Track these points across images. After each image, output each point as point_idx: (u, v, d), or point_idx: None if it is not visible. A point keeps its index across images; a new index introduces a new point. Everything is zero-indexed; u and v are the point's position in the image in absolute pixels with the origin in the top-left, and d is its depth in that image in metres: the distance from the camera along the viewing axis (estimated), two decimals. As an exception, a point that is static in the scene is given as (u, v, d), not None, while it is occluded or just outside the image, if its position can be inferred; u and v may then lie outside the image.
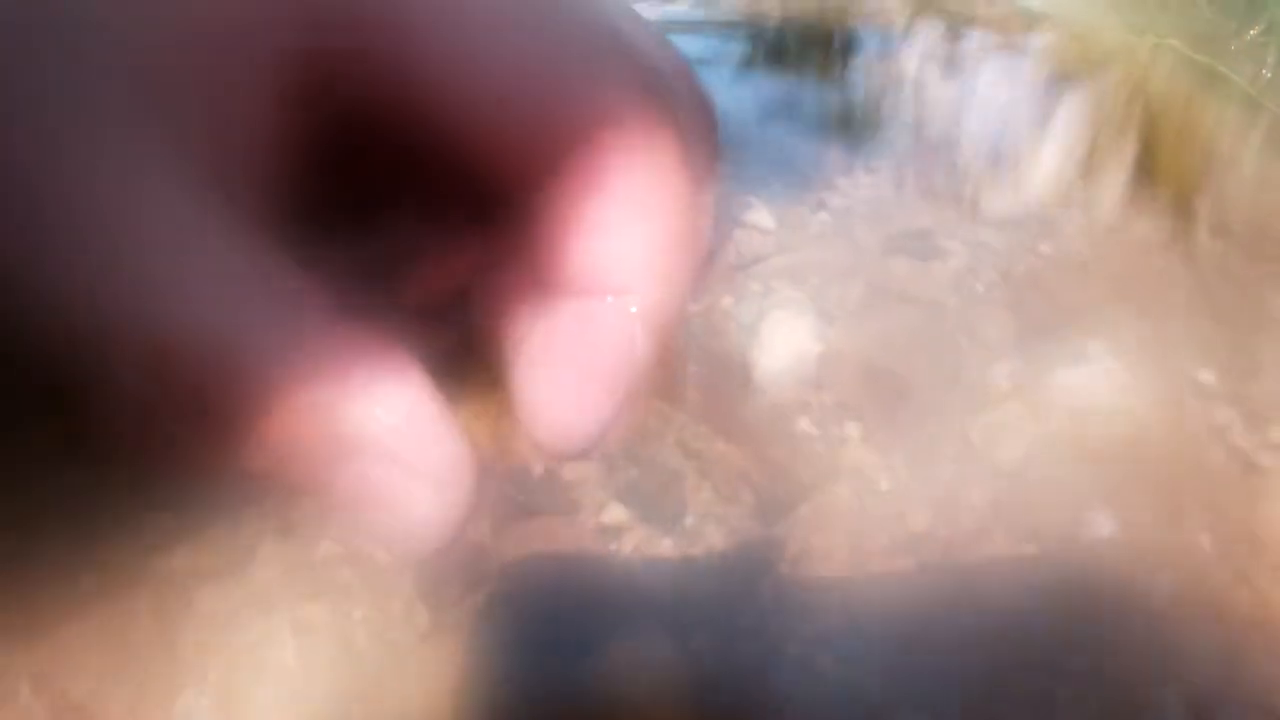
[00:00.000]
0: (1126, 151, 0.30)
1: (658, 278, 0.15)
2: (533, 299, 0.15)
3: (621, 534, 0.17)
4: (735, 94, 0.30)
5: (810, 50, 0.34)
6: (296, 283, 0.14)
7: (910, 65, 0.34)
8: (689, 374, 0.20)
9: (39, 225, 0.13)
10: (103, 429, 0.14)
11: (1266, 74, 0.34)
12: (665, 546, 0.17)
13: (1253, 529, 0.18)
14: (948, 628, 0.16)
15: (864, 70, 0.33)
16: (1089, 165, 0.29)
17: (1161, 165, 0.30)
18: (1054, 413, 0.20)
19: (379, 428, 0.13)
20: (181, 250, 0.13)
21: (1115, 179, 0.28)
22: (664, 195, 0.15)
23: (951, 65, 0.34)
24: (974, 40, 0.36)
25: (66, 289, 0.13)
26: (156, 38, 0.13)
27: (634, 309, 0.15)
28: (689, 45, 0.33)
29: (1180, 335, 0.22)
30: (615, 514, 0.17)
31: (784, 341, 0.20)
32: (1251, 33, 0.36)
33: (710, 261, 0.19)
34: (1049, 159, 0.29)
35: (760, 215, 0.24)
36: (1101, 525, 0.18)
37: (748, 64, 0.33)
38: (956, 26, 0.37)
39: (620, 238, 0.15)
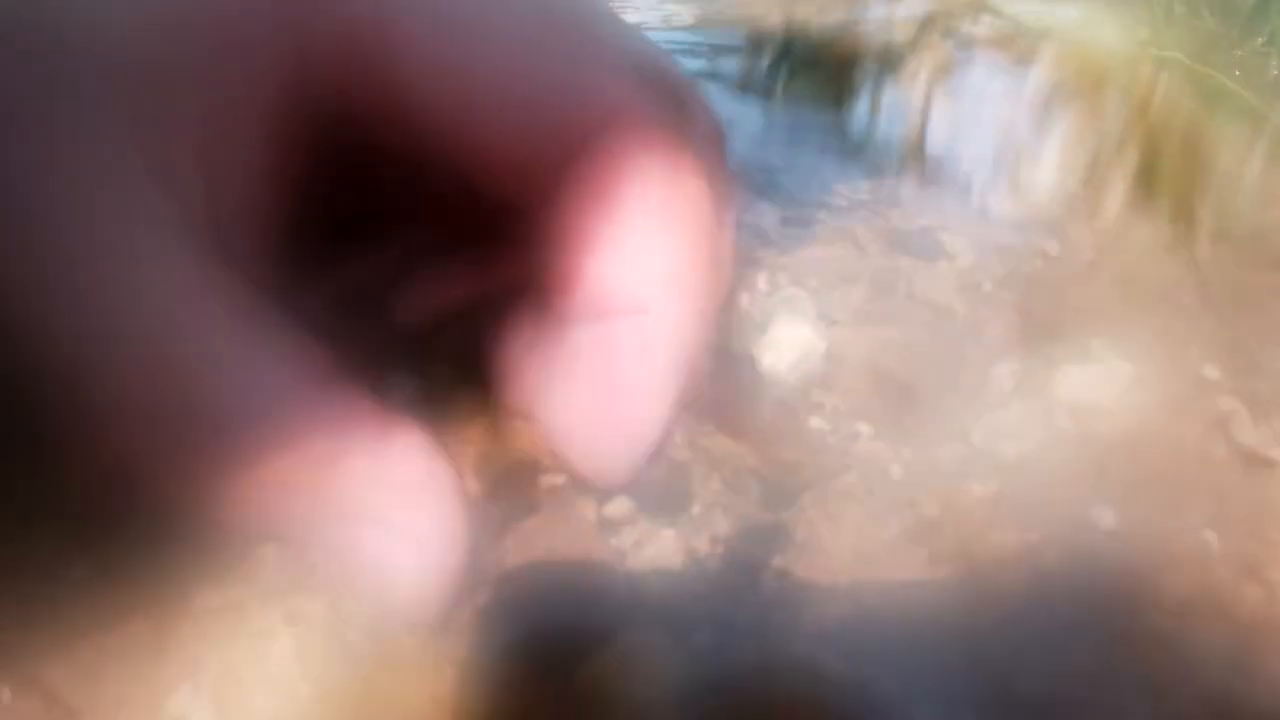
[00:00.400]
0: (1129, 162, 0.30)
1: (679, 290, 0.15)
2: (546, 320, 0.15)
3: (625, 527, 0.17)
4: (739, 105, 0.30)
5: (814, 63, 0.34)
6: (288, 337, 0.13)
7: (916, 76, 0.34)
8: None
9: (21, 245, 0.12)
10: (78, 467, 0.14)
11: (1273, 72, 0.34)
12: (669, 539, 0.17)
13: (1261, 524, 0.18)
14: (954, 621, 0.16)
15: (869, 83, 0.33)
16: (1092, 176, 0.29)
17: (1165, 176, 0.30)
18: (1059, 410, 0.19)
19: (369, 491, 0.13)
20: (165, 293, 0.13)
21: (1118, 189, 0.29)
22: (680, 203, 0.15)
23: (955, 78, 0.34)
24: (977, 54, 0.36)
25: (45, 315, 0.12)
26: (151, 60, 0.13)
27: (658, 325, 0.14)
28: (692, 59, 0.33)
29: (1186, 335, 0.22)
30: (619, 507, 0.17)
31: (788, 340, 0.20)
32: (1256, 43, 0.36)
33: (733, 271, 0.19)
34: (1052, 170, 0.29)
35: (766, 217, 0.24)
36: (1107, 520, 0.18)
37: (752, 76, 0.33)
38: (960, 40, 0.37)
39: (637, 250, 0.14)
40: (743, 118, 0.29)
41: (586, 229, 0.15)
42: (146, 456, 0.13)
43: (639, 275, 0.14)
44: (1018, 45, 0.37)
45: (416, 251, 0.18)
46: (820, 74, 0.33)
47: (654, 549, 0.16)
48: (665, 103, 0.15)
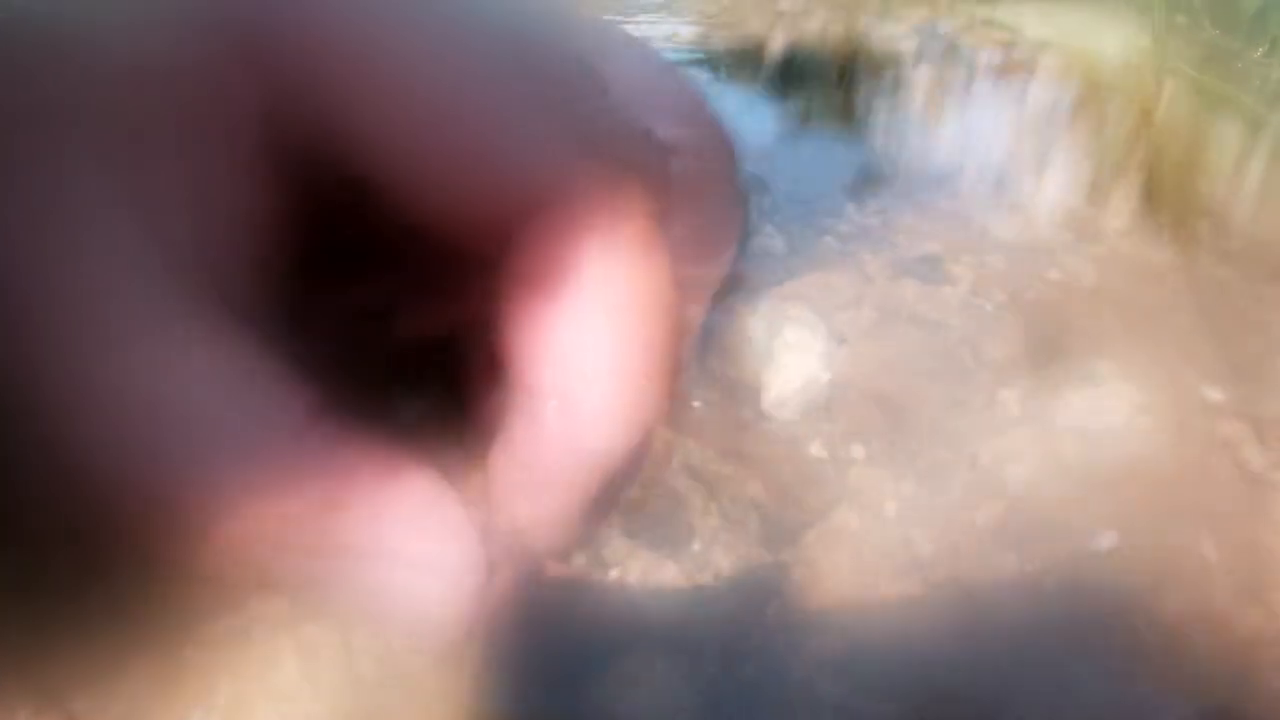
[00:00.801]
0: (1133, 175, 0.30)
1: (614, 384, 0.14)
2: (501, 377, 0.15)
3: (626, 560, 0.17)
4: (743, 122, 0.31)
5: (818, 79, 0.35)
6: (276, 379, 0.13)
7: (917, 93, 0.34)
8: (696, 399, 0.20)
9: (7, 284, 0.12)
10: (68, 515, 0.14)
11: (1275, 81, 0.34)
12: (671, 572, 0.17)
13: (1264, 545, 0.18)
14: (954, 650, 0.16)
15: (871, 98, 0.33)
16: (1095, 189, 0.29)
17: (1168, 190, 0.30)
18: (1062, 434, 0.20)
19: (376, 527, 0.13)
20: (149, 348, 0.13)
21: (1121, 206, 0.29)
22: (615, 290, 0.14)
23: (957, 93, 0.34)
24: (980, 67, 0.36)
25: (30, 354, 0.12)
26: (133, 123, 0.13)
27: (580, 416, 0.14)
28: (694, 79, 0.33)
29: (1189, 355, 0.22)
30: (620, 540, 0.17)
31: (793, 365, 0.20)
32: (1257, 53, 0.36)
33: (688, 354, 0.18)
34: (1055, 187, 0.29)
35: (770, 240, 0.24)
36: (1109, 545, 0.18)
37: (755, 93, 0.33)
38: (963, 55, 0.37)
39: (562, 335, 0.14)
40: (746, 138, 0.29)
41: (515, 306, 0.15)
42: (133, 502, 0.13)
43: (573, 363, 0.14)
44: (1019, 58, 0.37)
45: (413, 274, 0.18)
46: (822, 92, 0.33)
47: (657, 582, 0.16)
48: (620, 176, 0.15)
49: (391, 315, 0.18)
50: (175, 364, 0.13)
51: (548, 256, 0.14)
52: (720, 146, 0.19)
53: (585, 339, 0.14)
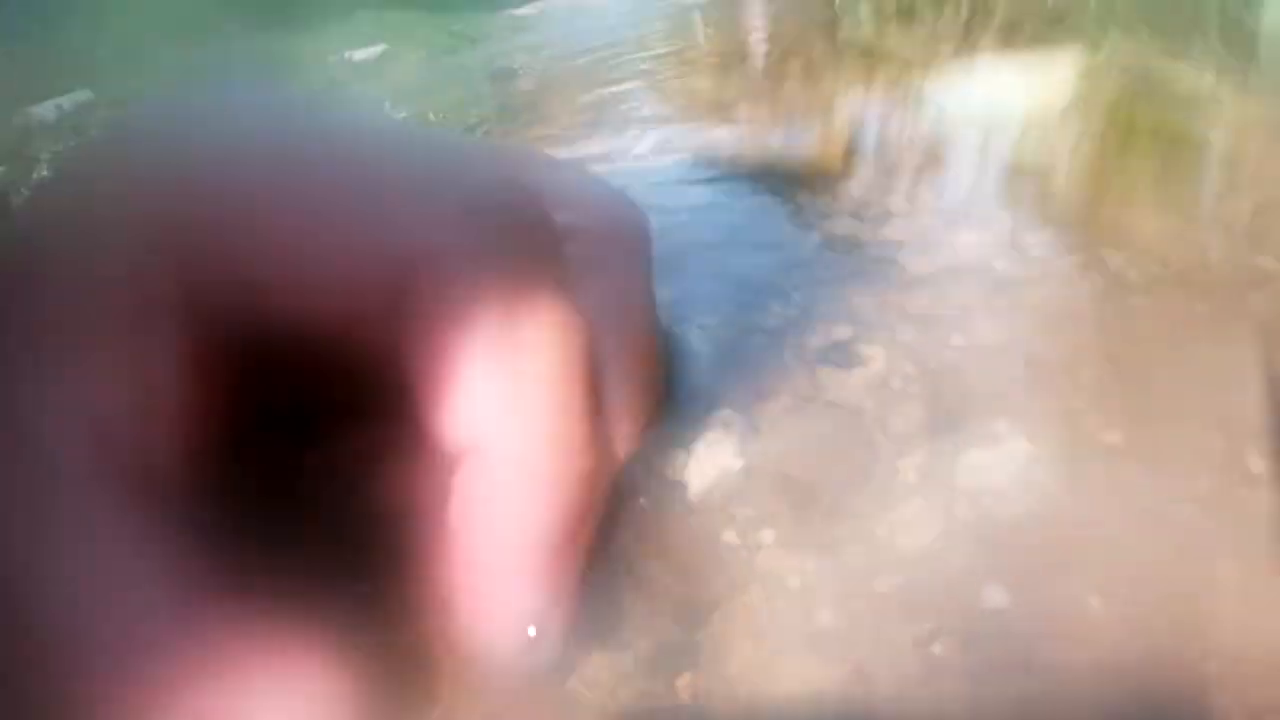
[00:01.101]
0: (1057, 216, 0.32)
1: (516, 439, 0.15)
2: (423, 476, 0.16)
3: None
4: (689, 224, 0.33)
5: (768, 174, 0.37)
6: (174, 563, 0.14)
7: (861, 175, 0.36)
8: (637, 496, 0.22)
9: None
10: None
11: (1209, 85, 0.34)
12: (596, 657, 0.19)
13: (1152, 591, 0.19)
14: (848, 715, 0.18)
15: (816, 187, 0.36)
16: (1015, 239, 0.31)
17: (1093, 223, 0.31)
18: (958, 498, 0.21)
19: (254, 708, 0.14)
20: (49, 521, 0.14)
21: (1041, 249, 0.30)
22: (514, 350, 0.15)
23: (900, 172, 0.36)
24: (922, 148, 0.38)
25: None
26: (80, 326, 0.15)
27: (498, 480, 0.15)
28: (653, 187, 0.36)
29: (1091, 402, 0.23)
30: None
31: (712, 459, 0.23)
32: (1189, 59, 0.37)
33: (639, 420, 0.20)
34: (978, 242, 0.31)
35: (695, 340, 0.27)
36: (997, 601, 0.19)
37: (709, 193, 0.36)
38: (904, 142, 0.39)
39: (462, 400, 0.15)
40: (690, 236, 0.32)
41: (415, 383, 0.15)
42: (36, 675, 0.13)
43: (470, 425, 0.15)
44: (954, 126, 0.39)
45: (353, 429, 0.20)
46: (771, 187, 0.35)
47: (583, 669, 0.19)
48: (507, 249, 0.16)
49: (336, 477, 0.20)
50: (70, 542, 0.14)
51: (431, 334, 0.15)
52: (630, 231, 0.21)
53: (491, 403, 0.15)
